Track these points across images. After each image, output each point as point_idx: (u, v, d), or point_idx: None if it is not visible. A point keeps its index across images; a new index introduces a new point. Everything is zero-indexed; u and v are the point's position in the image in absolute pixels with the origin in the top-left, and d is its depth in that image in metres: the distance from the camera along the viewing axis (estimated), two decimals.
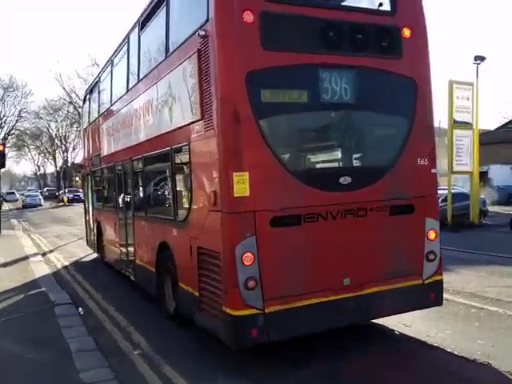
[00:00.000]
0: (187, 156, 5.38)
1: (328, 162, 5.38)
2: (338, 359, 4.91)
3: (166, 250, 6.24)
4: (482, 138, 19.50)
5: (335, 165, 5.32)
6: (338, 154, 5.27)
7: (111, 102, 9.22)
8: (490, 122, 51.48)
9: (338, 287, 4.79)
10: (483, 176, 25.01)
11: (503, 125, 43.05)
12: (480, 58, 17.32)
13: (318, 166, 5.35)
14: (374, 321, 5.88)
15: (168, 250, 6.15)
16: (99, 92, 10.63)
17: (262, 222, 4.47)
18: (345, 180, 4.84)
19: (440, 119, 27.55)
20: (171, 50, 5.83)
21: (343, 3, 5.35)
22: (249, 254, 4.40)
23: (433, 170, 5.31)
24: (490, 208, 21.56)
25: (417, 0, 5.36)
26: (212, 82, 4.60)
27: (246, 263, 4.39)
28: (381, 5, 5.23)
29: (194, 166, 5.25)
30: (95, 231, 11.16)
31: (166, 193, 6.55)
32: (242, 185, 4.40)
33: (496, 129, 42.32)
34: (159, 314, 6.60)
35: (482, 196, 19.39)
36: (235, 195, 4.38)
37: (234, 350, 4.62)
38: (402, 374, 4.58)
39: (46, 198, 54.30)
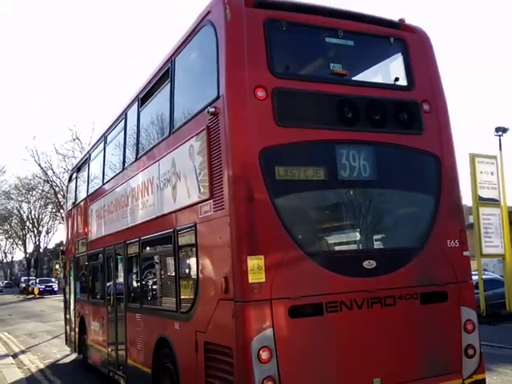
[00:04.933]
0: (193, 238, 5.56)
1: (350, 243, 5.58)
2: None
3: (165, 346, 6.22)
4: None
5: (358, 247, 5.52)
6: (361, 236, 5.47)
7: (103, 181, 9.59)
8: None
9: None
10: None
11: None
12: (502, 130, 18.17)
13: (339, 248, 5.54)
14: None
15: (168, 346, 6.13)
16: (89, 170, 11.06)
17: (279, 311, 4.57)
18: (369, 264, 5.00)
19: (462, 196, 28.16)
20: (176, 126, 6.25)
21: (358, 79, 5.84)
22: (266, 349, 4.44)
23: (465, 253, 5.49)
24: None
25: (434, 74, 5.87)
26: (223, 160, 4.91)
27: (262, 360, 4.42)
28: (397, 79, 5.73)
29: (200, 249, 5.43)
30: (77, 327, 11.03)
31: (166, 280, 6.65)
32: (257, 269, 4.55)
33: None
34: None
35: None
36: (250, 281, 4.51)
37: None
38: None
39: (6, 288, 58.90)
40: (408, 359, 5.03)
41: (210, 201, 5.14)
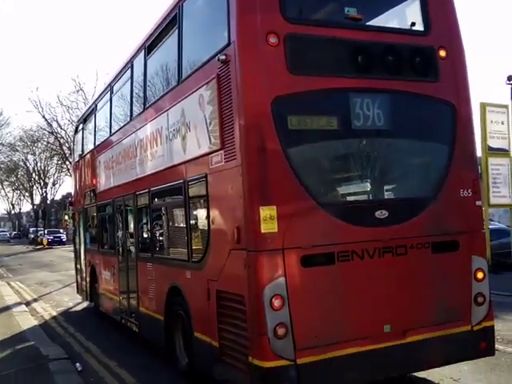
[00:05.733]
0: (204, 189, 5.56)
1: (362, 194, 5.55)
2: None
3: (177, 295, 6.34)
4: None
5: (370, 197, 5.48)
6: (373, 185, 5.42)
7: (110, 131, 9.51)
8: None
9: (377, 335, 4.86)
10: None
11: None
12: None
13: (352, 198, 5.52)
14: (416, 374, 5.91)
15: (180, 295, 6.24)
16: (95, 121, 10.96)
17: (291, 260, 4.61)
18: (381, 214, 4.99)
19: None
20: (184, 75, 6.12)
21: (374, 23, 5.65)
22: (278, 297, 4.51)
23: (477, 203, 5.46)
24: None
25: (451, 18, 5.65)
26: (234, 109, 4.83)
27: (275, 307, 4.49)
28: (413, 24, 5.54)
29: (212, 199, 5.43)
30: (88, 276, 11.26)
31: (178, 230, 6.70)
32: (269, 220, 4.56)
33: None
34: (168, 368, 6.64)
35: None
36: (262, 231, 4.53)
37: None
38: None
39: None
40: (418, 306, 5.10)
41: (222, 151, 5.09)
